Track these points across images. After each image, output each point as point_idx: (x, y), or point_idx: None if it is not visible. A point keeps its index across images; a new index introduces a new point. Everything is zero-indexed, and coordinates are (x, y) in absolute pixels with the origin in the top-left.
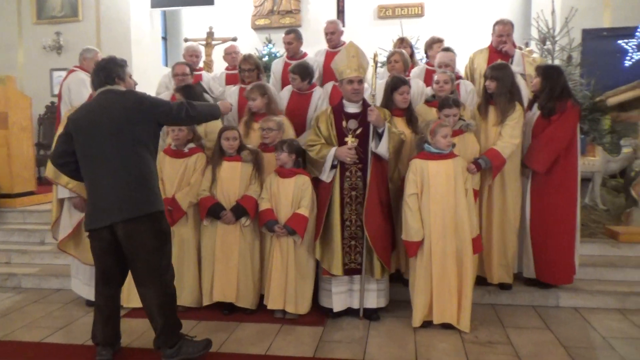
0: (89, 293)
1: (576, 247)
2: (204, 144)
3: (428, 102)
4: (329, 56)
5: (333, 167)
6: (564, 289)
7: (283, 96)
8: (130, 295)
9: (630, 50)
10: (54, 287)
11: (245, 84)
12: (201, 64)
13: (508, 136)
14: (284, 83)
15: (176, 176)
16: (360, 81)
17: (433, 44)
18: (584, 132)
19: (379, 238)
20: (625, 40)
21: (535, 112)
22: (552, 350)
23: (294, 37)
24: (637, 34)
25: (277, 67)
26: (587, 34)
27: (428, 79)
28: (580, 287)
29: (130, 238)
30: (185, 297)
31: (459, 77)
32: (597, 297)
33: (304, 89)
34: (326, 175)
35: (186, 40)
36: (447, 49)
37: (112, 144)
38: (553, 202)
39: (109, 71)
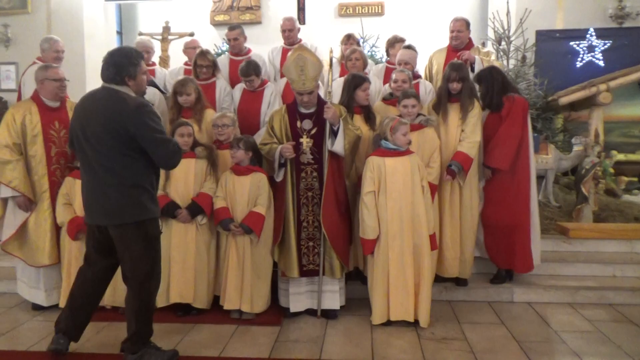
0: (35, 296)
1: (534, 239)
2: None
3: (385, 100)
4: (286, 53)
5: (282, 166)
6: (518, 284)
7: (235, 95)
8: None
9: (581, 52)
10: None
11: (199, 80)
12: (157, 60)
13: (471, 133)
14: (230, 81)
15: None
16: (311, 92)
17: (395, 43)
18: (538, 130)
19: (338, 237)
20: (577, 42)
21: (484, 113)
22: (506, 344)
23: (239, 33)
24: (587, 36)
25: (221, 64)
26: (541, 35)
27: (388, 77)
28: (534, 282)
29: (118, 240)
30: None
31: (418, 76)
32: (549, 292)
33: (256, 87)
34: (275, 174)
35: (141, 34)
36: (408, 47)
37: (100, 148)
38: (509, 196)
39: (119, 69)
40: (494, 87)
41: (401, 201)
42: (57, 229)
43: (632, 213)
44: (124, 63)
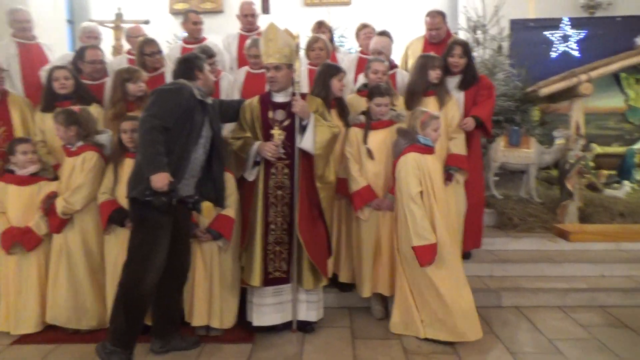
0: None
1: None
2: (98, 141)
3: (360, 91)
4: (243, 40)
5: (256, 164)
6: (505, 288)
7: None
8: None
9: (556, 42)
10: None
11: (147, 70)
12: (109, 49)
13: (457, 130)
14: None
15: (66, 178)
16: (277, 67)
17: (361, 30)
18: (516, 123)
19: (314, 243)
20: (551, 32)
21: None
22: (500, 357)
23: (201, 18)
24: (561, 25)
25: (174, 52)
26: (515, 24)
27: (360, 67)
28: (521, 284)
29: None
30: (79, 319)
31: (394, 66)
32: (538, 295)
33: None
34: (248, 173)
35: (91, 21)
36: (383, 33)
37: None
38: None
39: (190, 63)
40: (472, 61)
41: (444, 203)
42: None
43: (617, 209)
44: (193, 59)
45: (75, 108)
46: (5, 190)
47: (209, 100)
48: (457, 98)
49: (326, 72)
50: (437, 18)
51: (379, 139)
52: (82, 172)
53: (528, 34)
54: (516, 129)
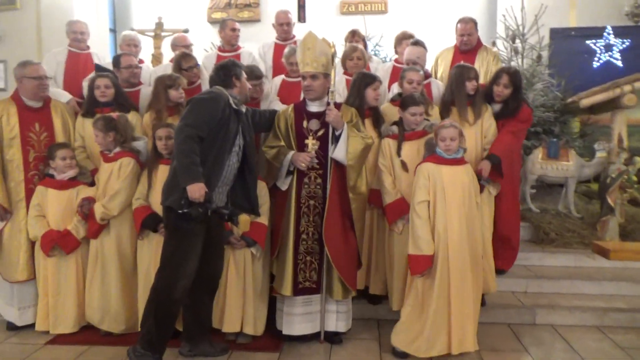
0: (8, 314)
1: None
2: (135, 148)
3: (394, 101)
4: (279, 49)
5: (289, 173)
6: (540, 305)
7: None
8: (57, 320)
9: (598, 51)
10: None
11: (189, 84)
12: (148, 56)
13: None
14: None
15: (104, 183)
16: (314, 76)
17: (403, 39)
18: (555, 135)
19: (342, 255)
20: (593, 41)
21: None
22: None
23: (238, 27)
24: (605, 34)
25: (209, 61)
26: (555, 33)
27: (395, 77)
28: (557, 302)
29: None
30: (110, 322)
31: (428, 75)
32: (574, 314)
33: None
34: (281, 182)
35: (132, 30)
36: (417, 43)
37: None
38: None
39: (227, 70)
40: (519, 93)
41: (460, 214)
42: (33, 242)
43: None
44: (230, 66)
45: (114, 115)
46: (45, 194)
47: (243, 108)
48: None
49: (361, 81)
50: (469, 24)
51: (412, 149)
52: (118, 178)
53: (569, 43)
54: (555, 140)
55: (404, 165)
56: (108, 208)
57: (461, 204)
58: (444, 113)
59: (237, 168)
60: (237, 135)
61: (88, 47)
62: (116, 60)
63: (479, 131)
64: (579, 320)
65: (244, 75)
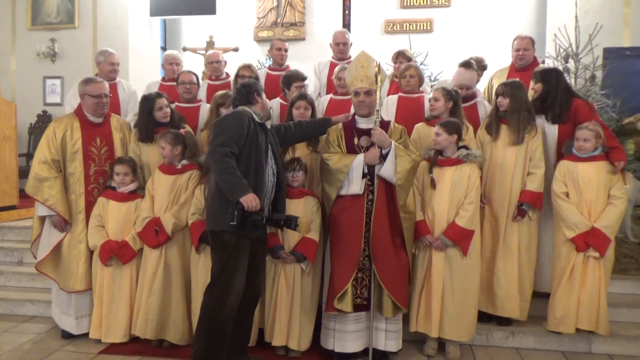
0: (65, 323)
1: None
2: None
3: (428, 120)
4: (333, 67)
5: (364, 175)
6: (597, 334)
7: (274, 107)
8: (109, 330)
9: None
10: (29, 314)
11: None
12: (199, 74)
13: (537, 165)
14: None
15: (167, 194)
16: (368, 92)
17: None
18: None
19: (392, 272)
20: None
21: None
22: None
23: (286, 47)
24: None
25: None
26: (609, 52)
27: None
28: (615, 331)
29: None
30: (170, 332)
31: (474, 97)
32: (634, 344)
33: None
34: (358, 186)
35: (184, 49)
36: (468, 65)
37: None
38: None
39: (249, 87)
40: (558, 93)
41: (591, 208)
42: (91, 252)
43: None
44: (251, 84)
45: (182, 131)
46: (106, 205)
47: (268, 124)
48: (551, 132)
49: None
50: (525, 39)
51: (446, 175)
52: (187, 189)
53: (624, 63)
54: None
55: (432, 182)
56: (179, 218)
57: (594, 198)
58: (489, 129)
59: (274, 181)
60: (268, 149)
61: (114, 78)
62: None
63: (522, 153)
64: (638, 351)
65: (264, 94)
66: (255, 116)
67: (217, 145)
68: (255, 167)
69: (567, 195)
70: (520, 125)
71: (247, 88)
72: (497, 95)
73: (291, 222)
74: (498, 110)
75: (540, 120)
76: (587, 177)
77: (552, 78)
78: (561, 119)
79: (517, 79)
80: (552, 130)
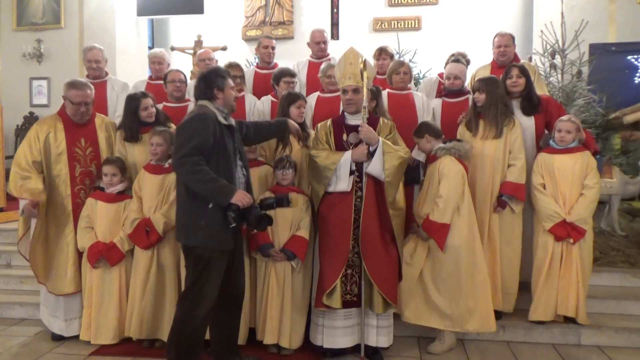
0: (54, 325)
1: None
2: None
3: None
4: (313, 67)
5: (351, 172)
6: (585, 326)
7: (264, 107)
8: (99, 331)
9: None
10: (18, 317)
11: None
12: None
13: (516, 156)
14: (254, 94)
15: (155, 194)
16: (356, 90)
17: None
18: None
19: (382, 269)
20: (635, 56)
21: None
22: None
23: (273, 44)
24: None
25: (247, 77)
26: (595, 48)
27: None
28: (603, 322)
29: None
30: (164, 331)
31: (467, 92)
32: (622, 335)
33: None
34: (345, 183)
35: (172, 49)
36: (458, 60)
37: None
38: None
39: (208, 81)
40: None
41: (566, 199)
42: (80, 254)
43: None
44: (211, 76)
45: (172, 129)
46: (95, 206)
47: (232, 121)
48: (528, 125)
49: (285, 100)
50: (505, 36)
51: (428, 171)
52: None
53: (610, 58)
54: (598, 157)
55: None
56: (170, 217)
57: (570, 188)
58: (471, 125)
59: (245, 182)
60: (236, 151)
61: (106, 74)
62: (165, 75)
63: (502, 145)
64: (626, 342)
65: (230, 83)
66: (219, 115)
67: (184, 156)
68: (225, 173)
69: (544, 187)
70: (498, 119)
71: (206, 82)
72: (473, 91)
73: (283, 201)
74: (476, 106)
75: (518, 114)
76: (563, 168)
77: (527, 72)
78: (534, 108)
79: (493, 75)
80: (529, 123)
